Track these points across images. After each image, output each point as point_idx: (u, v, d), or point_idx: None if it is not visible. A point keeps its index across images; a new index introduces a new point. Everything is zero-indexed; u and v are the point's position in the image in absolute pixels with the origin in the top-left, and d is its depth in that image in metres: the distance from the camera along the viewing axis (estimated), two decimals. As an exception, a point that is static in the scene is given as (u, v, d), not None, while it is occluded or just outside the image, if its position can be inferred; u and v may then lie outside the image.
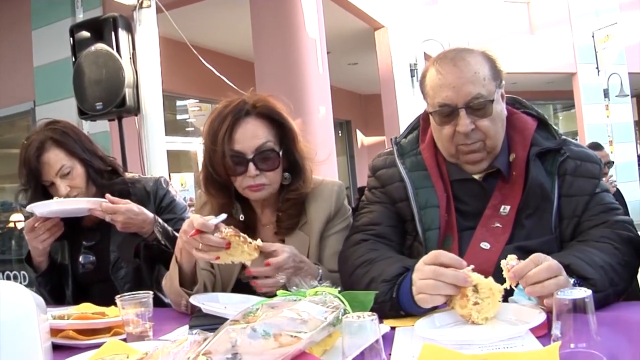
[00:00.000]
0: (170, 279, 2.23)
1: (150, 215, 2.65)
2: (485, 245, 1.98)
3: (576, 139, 18.45)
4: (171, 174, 8.76)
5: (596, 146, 6.33)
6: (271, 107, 2.26)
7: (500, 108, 2.04)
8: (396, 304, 1.78)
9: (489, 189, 2.07)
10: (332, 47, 10.55)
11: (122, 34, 5.21)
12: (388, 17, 11.34)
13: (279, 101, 2.31)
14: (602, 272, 1.73)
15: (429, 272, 1.67)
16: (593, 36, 18.74)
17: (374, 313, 1.27)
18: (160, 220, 2.68)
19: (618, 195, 6.34)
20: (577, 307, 1.22)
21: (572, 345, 1.23)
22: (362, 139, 19.03)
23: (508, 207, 2.01)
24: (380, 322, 1.72)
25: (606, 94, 18.18)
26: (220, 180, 2.26)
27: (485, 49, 2.13)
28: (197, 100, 12.17)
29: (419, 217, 2.07)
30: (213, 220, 1.96)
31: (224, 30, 10.26)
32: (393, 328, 1.71)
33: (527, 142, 2.06)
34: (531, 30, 19.13)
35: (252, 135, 2.19)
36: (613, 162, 5.85)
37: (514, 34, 18.39)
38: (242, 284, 2.31)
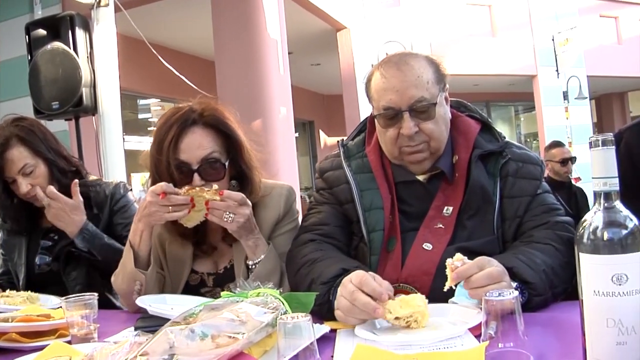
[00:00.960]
0: (123, 265, 2.25)
1: (83, 220, 2.66)
2: (427, 246, 2.01)
3: (537, 140, 18.63)
4: (132, 174, 8.70)
5: (557, 144, 6.45)
6: (218, 116, 2.25)
7: (443, 111, 2.08)
8: (332, 308, 1.79)
9: (433, 190, 2.11)
10: (294, 48, 10.57)
11: (80, 33, 5.14)
12: (350, 18, 11.39)
13: (227, 109, 2.30)
14: (543, 276, 1.78)
15: (348, 293, 1.69)
16: (553, 39, 19.01)
17: (308, 314, 1.29)
18: (93, 229, 2.69)
19: (580, 193, 6.46)
20: (505, 308, 1.26)
21: (500, 345, 1.26)
22: (325, 139, 19.07)
23: (451, 208, 2.05)
24: (322, 323, 1.76)
25: (565, 96, 18.46)
26: None
27: (429, 54, 2.16)
28: (159, 100, 12.09)
29: (363, 218, 2.10)
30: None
31: (184, 29, 10.20)
32: (334, 330, 1.72)
33: (470, 145, 2.11)
34: (493, 32, 19.35)
35: (197, 145, 2.18)
36: (575, 158, 5.97)
37: (476, 36, 18.59)
38: (192, 286, 2.32)
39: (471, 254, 1.81)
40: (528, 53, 19.33)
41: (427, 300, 1.67)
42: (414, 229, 2.07)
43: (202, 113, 2.23)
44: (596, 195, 1.11)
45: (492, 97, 21.95)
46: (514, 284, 1.73)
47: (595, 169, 1.09)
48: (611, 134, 1.09)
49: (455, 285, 1.70)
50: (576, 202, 5.84)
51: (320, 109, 18.37)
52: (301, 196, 8.50)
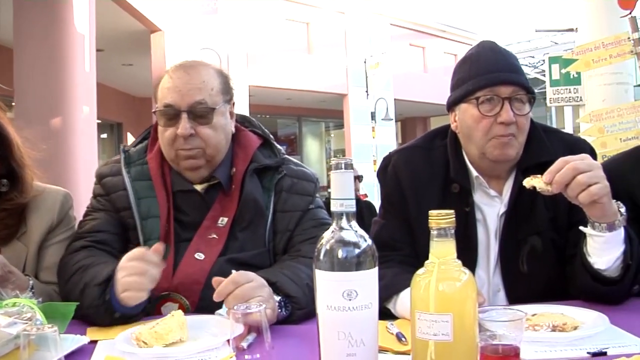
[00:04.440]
0: None
1: None
2: (199, 255, 2.03)
3: (338, 156, 19.36)
4: None
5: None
6: None
7: (224, 121, 2.12)
8: (110, 307, 1.79)
9: (210, 201, 2.13)
10: (106, 46, 10.23)
11: None
12: (166, 21, 11.22)
13: None
14: (306, 290, 1.86)
15: (133, 269, 1.71)
16: (365, 62, 19.89)
17: (55, 325, 1.24)
18: None
19: (368, 206, 6.75)
20: (251, 320, 1.30)
21: (246, 357, 1.30)
22: (133, 142, 18.52)
23: (226, 219, 2.09)
24: (85, 333, 1.71)
25: (373, 116, 19.39)
26: None
27: (222, 68, 2.20)
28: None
29: (140, 226, 2.08)
30: None
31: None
32: (95, 341, 1.68)
33: (248, 158, 2.16)
34: (309, 49, 19.89)
35: None
36: (362, 176, 6.24)
37: (292, 51, 19.01)
38: None
39: (242, 265, 1.87)
40: (341, 72, 20.07)
41: (184, 318, 1.68)
42: (188, 238, 2.08)
43: None
44: (334, 215, 1.17)
45: (304, 112, 22.53)
46: (278, 298, 1.80)
47: (334, 191, 1.16)
48: (350, 158, 1.17)
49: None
50: (362, 218, 6.12)
51: (130, 111, 17.84)
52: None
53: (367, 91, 19.69)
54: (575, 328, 1.61)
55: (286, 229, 2.12)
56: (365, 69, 19.87)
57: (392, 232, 2.13)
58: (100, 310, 1.80)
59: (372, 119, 19.49)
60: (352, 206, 1.17)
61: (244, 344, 1.36)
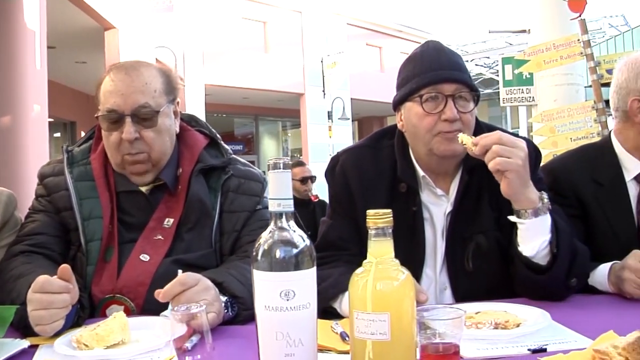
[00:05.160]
0: None
1: None
2: (144, 257, 2.01)
3: (295, 156, 19.36)
4: None
5: (298, 163, 6.75)
6: None
7: (169, 123, 2.09)
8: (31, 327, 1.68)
9: (155, 201, 2.11)
10: (58, 43, 10.04)
11: None
12: (120, 18, 11.04)
13: None
14: (253, 290, 1.83)
15: (38, 303, 1.62)
16: (322, 61, 19.95)
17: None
18: None
19: (322, 206, 6.77)
20: (193, 321, 1.29)
21: (188, 358, 1.29)
22: (89, 141, 18.26)
23: (172, 220, 2.06)
24: (23, 337, 1.67)
25: (330, 116, 19.45)
26: None
27: (164, 66, 2.17)
28: None
29: (82, 227, 2.04)
30: None
31: None
32: (35, 345, 1.64)
33: (194, 158, 2.14)
34: (266, 48, 19.88)
35: None
36: (315, 177, 6.27)
37: (249, 50, 18.97)
38: None
39: (188, 266, 1.85)
40: (298, 72, 20.10)
41: (126, 320, 1.66)
42: (133, 239, 2.05)
43: None
44: (272, 215, 1.17)
45: (261, 112, 22.49)
46: (224, 299, 1.78)
47: (272, 191, 1.16)
48: (287, 157, 1.16)
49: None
50: (315, 218, 6.12)
51: (83, 110, 17.49)
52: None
53: (323, 90, 19.76)
54: (518, 325, 1.63)
55: (233, 230, 2.11)
56: (322, 68, 19.94)
57: (339, 232, 2.13)
58: (29, 326, 1.69)
59: (328, 119, 19.56)
60: (290, 206, 1.17)
61: (188, 345, 1.35)
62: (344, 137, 20.21)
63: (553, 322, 1.65)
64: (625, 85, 2.33)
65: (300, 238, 1.17)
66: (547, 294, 1.93)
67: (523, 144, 1.84)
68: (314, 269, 1.17)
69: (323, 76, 19.90)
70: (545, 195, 1.89)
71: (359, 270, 1.17)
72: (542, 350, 1.45)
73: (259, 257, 1.15)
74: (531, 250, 1.88)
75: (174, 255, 2.02)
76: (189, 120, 2.28)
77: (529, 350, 1.46)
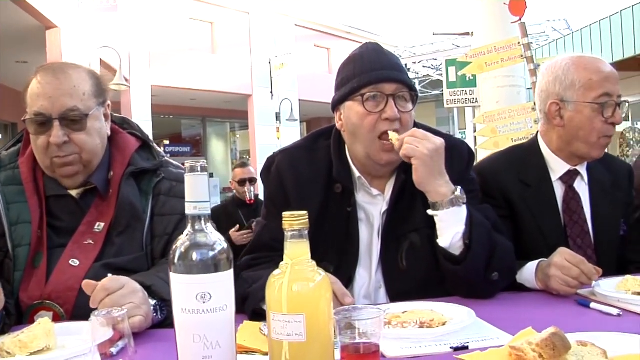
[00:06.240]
0: None
1: None
2: (74, 262, 1.98)
3: (244, 157, 19.21)
4: None
5: (241, 164, 6.73)
6: None
7: (99, 125, 2.07)
8: None
9: (86, 205, 2.08)
10: (-3, 42, 9.83)
11: None
12: (62, 17, 10.84)
13: None
14: None
15: None
16: (270, 62, 19.90)
17: None
18: None
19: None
20: (118, 325, 1.29)
21: (108, 362, 1.28)
22: (32, 143, 17.87)
23: (102, 224, 2.04)
24: None
25: (278, 117, 19.41)
26: None
27: (93, 69, 2.15)
28: None
29: (9, 233, 2.00)
30: None
31: None
32: None
33: (126, 161, 2.12)
34: (213, 49, 19.74)
35: None
36: (256, 179, 6.26)
37: (196, 50, 18.82)
38: None
39: (118, 270, 1.83)
40: (245, 73, 20.02)
41: (51, 326, 1.64)
42: (63, 244, 2.02)
43: None
44: (188, 218, 1.17)
45: (208, 113, 22.34)
46: (153, 302, 1.77)
47: (188, 194, 1.16)
48: (204, 161, 1.17)
49: None
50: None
51: (25, 111, 17.17)
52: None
53: (271, 92, 19.72)
54: (444, 324, 1.66)
55: (164, 233, 2.09)
56: (270, 69, 19.90)
57: (273, 233, 2.13)
58: None
59: (276, 120, 19.52)
60: (206, 209, 1.17)
61: (113, 350, 1.34)
62: (292, 138, 19.94)
63: (478, 319, 1.69)
64: (546, 88, 2.42)
65: (217, 241, 1.17)
66: (470, 289, 2.00)
67: (437, 140, 1.95)
68: (231, 271, 1.17)
69: (271, 77, 19.85)
70: (459, 190, 1.97)
71: (276, 272, 1.18)
72: (464, 348, 1.49)
73: (176, 261, 1.16)
74: (446, 241, 1.97)
75: (105, 259, 2.00)
76: (120, 123, 2.25)
77: (451, 348, 1.49)
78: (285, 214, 1.17)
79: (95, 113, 2.04)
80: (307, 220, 1.17)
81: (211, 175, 21.73)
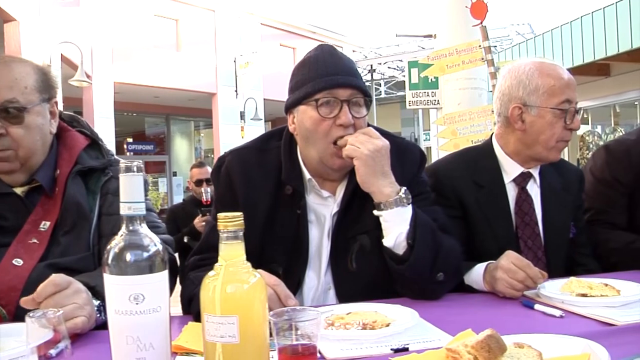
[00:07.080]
0: None
1: None
2: (18, 261, 1.94)
3: (208, 156, 19.11)
4: None
5: (198, 164, 6.71)
6: None
7: (41, 122, 2.04)
8: None
9: (31, 204, 2.04)
10: (-48, 35, 9.61)
11: None
12: (21, 10, 10.64)
13: None
14: None
15: None
16: (235, 61, 19.84)
17: None
18: None
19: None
20: (58, 327, 1.28)
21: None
22: None
23: (48, 223, 2.01)
24: None
25: (242, 116, 19.38)
26: None
27: (44, 66, 2.12)
28: None
29: None
30: None
31: None
32: None
33: (73, 160, 2.09)
34: (177, 46, 19.61)
35: None
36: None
37: (161, 48, 18.68)
38: None
39: (64, 270, 1.80)
40: (210, 71, 19.92)
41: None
42: (6, 244, 1.98)
43: None
44: (123, 218, 1.16)
45: (172, 111, 22.18)
46: (97, 302, 1.75)
47: (123, 194, 1.15)
48: (140, 161, 1.16)
49: None
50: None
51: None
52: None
53: (236, 90, 19.68)
54: (388, 325, 1.66)
55: (112, 232, 2.03)
56: (235, 68, 19.86)
57: None
58: None
59: (241, 119, 19.49)
60: (141, 209, 1.16)
61: (52, 352, 1.33)
62: (257, 137, 20.14)
63: (422, 320, 1.70)
64: (508, 92, 2.44)
65: (151, 242, 1.16)
66: (417, 289, 2.02)
67: (379, 141, 1.98)
68: (165, 272, 1.17)
69: (236, 76, 19.81)
70: (403, 191, 1.99)
71: (210, 273, 1.18)
72: (404, 350, 1.50)
73: (109, 261, 1.14)
74: (390, 241, 1.98)
75: (50, 259, 1.96)
76: (70, 121, 2.22)
77: (391, 349, 1.50)
78: (220, 215, 1.17)
79: (37, 108, 2.01)
80: (242, 221, 1.17)
81: (175, 174, 21.60)
